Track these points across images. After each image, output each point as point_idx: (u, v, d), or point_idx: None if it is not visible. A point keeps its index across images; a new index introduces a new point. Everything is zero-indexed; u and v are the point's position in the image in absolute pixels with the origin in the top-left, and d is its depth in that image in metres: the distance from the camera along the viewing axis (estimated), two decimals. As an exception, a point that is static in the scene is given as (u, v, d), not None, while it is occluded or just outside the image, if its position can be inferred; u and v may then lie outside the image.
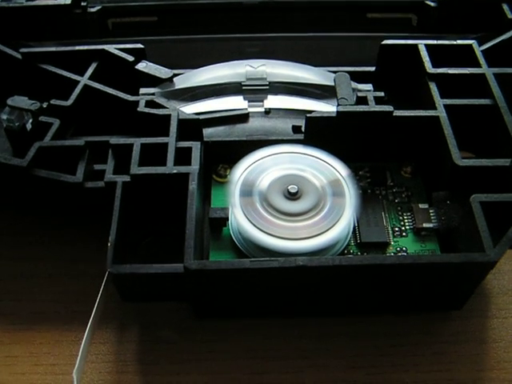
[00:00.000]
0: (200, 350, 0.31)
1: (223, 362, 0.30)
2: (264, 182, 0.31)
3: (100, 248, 0.32)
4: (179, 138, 0.32)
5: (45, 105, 0.34)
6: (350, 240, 0.32)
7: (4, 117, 0.33)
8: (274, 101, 0.36)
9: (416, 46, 0.36)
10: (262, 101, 0.36)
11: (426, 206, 0.33)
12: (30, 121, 0.34)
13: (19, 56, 0.37)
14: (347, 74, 0.35)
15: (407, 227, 0.32)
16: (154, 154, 0.31)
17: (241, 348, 0.31)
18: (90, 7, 0.40)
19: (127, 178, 0.30)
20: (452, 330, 0.31)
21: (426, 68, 0.35)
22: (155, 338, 0.31)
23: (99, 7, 0.40)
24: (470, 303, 0.31)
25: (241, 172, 0.32)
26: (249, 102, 0.36)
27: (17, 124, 0.33)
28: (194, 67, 0.38)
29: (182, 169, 0.30)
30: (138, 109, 0.33)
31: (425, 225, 0.32)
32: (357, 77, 0.36)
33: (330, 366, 0.30)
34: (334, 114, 0.33)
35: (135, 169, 0.30)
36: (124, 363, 0.30)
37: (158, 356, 0.31)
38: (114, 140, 0.32)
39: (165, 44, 0.42)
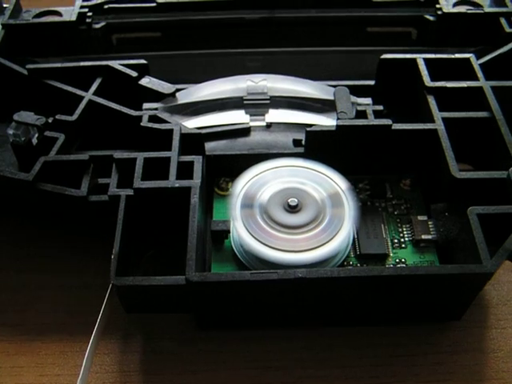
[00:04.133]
0: (202, 361, 0.31)
1: (225, 372, 0.31)
2: (265, 195, 0.32)
3: (104, 260, 0.32)
4: (182, 152, 0.33)
5: (50, 120, 0.35)
6: (349, 252, 0.32)
7: (10, 132, 0.34)
8: (275, 115, 0.37)
9: (414, 59, 0.37)
10: (264, 115, 0.37)
11: (424, 217, 0.33)
12: (36, 135, 0.34)
13: (25, 72, 0.37)
14: (346, 88, 0.35)
15: (406, 239, 0.33)
16: (157, 168, 0.32)
17: (242, 358, 0.31)
18: (95, 23, 0.41)
19: (130, 192, 0.31)
20: (451, 341, 0.32)
21: (425, 82, 0.35)
22: (158, 349, 0.32)
23: (104, 23, 0.41)
24: (469, 314, 0.32)
25: (242, 185, 0.32)
26: (250, 116, 0.37)
27: (23, 139, 0.34)
28: (197, 82, 0.39)
29: (184, 183, 0.31)
30: (141, 124, 0.34)
31: (424, 236, 0.32)
32: (356, 91, 0.37)
33: (330, 377, 0.30)
34: (334, 128, 0.33)
35: (138, 183, 0.31)
36: (128, 373, 0.31)
37: (160, 367, 0.31)
38: (117, 154, 0.33)
39: (168, 59, 0.42)
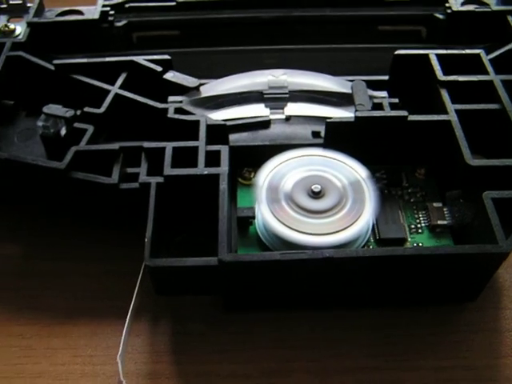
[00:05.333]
0: (229, 341, 0.32)
1: (252, 351, 0.32)
2: (289, 183, 0.33)
3: (132, 247, 0.34)
4: (207, 143, 0.34)
5: (78, 112, 0.36)
6: (369, 237, 0.34)
7: (40, 124, 0.35)
8: (293, 108, 0.38)
9: (427, 55, 0.38)
10: (283, 108, 0.38)
11: (439, 204, 0.35)
12: (64, 128, 0.36)
13: (52, 67, 0.39)
14: (363, 82, 0.37)
15: (423, 224, 0.34)
16: (184, 158, 0.33)
17: (268, 339, 0.32)
18: (117, 22, 0.42)
19: (161, 180, 0.32)
20: (467, 321, 0.33)
21: (437, 76, 0.37)
22: (186, 331, 0.33)
23: (125, 22, 0.42)
24: (484, 296, 0.33)
25: (266, 174, 0.33)
26: (270, 109, 0.38)
27: (52, 131, 0.35)
28: (214, 78, 0.40)
29: (213, 170, 0.32)
30: (168, 115, 0.35)
31: (439, 222, 0.34)
32: (371, 85, 0.38)
33: (353, 354, 0.32)
34: (353, 119, 0.35)
35: (168, 170, 0.32)
36: (158, 354, 0.32)
37: (190, 347, 0.32)
38: (147, 144, 0.34)
39: (186, 56, 0.44)
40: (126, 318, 0.32)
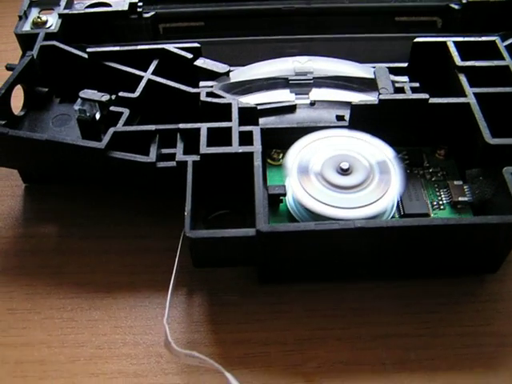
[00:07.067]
0: (264, 311, 0.34)
1: (286, 320, 0.34)
2: (318, 161, 0.35)
3: (166, 225, 0.36)
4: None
5: (113, 97, 0.38)
6: (394, 213, 0.35)
7: (76, 108, 0.37)
8: (318, 93, 0.40)
9: (445, 42, 0.40)
10: (308, 93, 0.40)
11: (460, 182, 0.36)
12: (98, 112, 0.37)
13: (84, 55, 0.40)
14: (386, 68, 0.39)
15: (444, 201, 0.36)
16: (218, 138, 0.35)
17: (301, 308, 0.34)
18: (145, 13, 0.44)
19: (197, 158, 0.34)
20: (489, 291, 0.35)
21: (456, 61, 0.39)
22: (222, 302, 0.35)
23: (153, 13, 0.44)
24: (503, 268, 0.35)
25: (296, 152, 0.35)
26: (296, 94, 0.40)
27: (88, 114, 0.37)
28: (237, 67, 0.42)
29: (247, 148, 0.34)
30: (201, 98, 0.37)
31: (460, 198, 0.35)
32: (391, 72, 0.40)
33: (382, 322, 0.33)
34: (377, 102, 0.36)
35: (204, 149, 0.34)
36: (196, 324, 0.34)
37: (226, 317, 0.34)
38: (182, 125, 0.36)
39: (209, 46, 0.45)
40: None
